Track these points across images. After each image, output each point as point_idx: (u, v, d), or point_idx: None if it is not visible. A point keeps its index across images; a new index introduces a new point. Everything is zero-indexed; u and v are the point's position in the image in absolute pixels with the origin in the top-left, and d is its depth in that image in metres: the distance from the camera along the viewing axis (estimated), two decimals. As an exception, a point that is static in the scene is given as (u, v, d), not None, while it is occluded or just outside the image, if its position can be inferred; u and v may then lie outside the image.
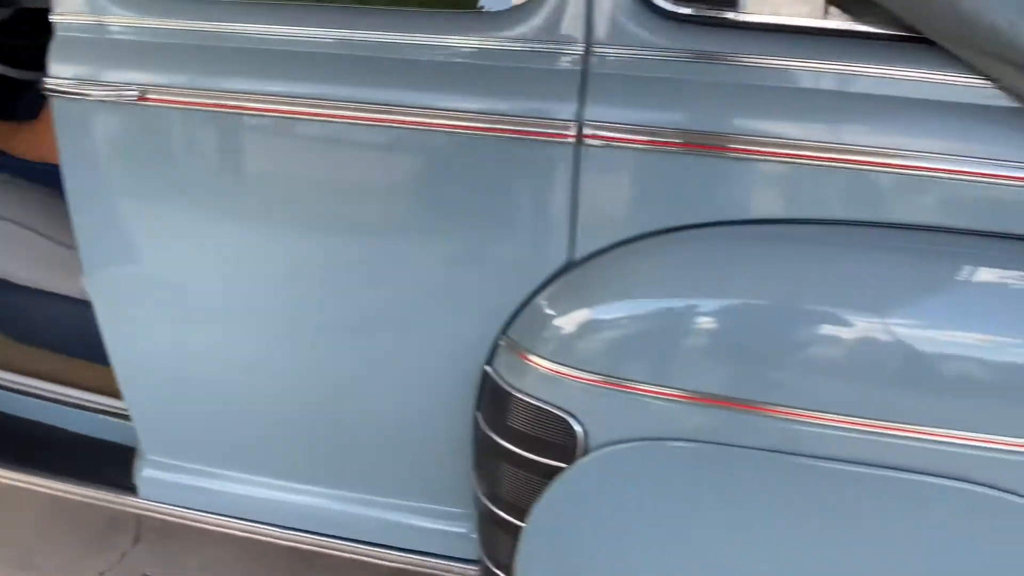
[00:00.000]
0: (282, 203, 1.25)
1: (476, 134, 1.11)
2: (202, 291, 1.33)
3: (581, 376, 1.09)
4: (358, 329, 1.29)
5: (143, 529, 1.88)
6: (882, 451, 0.99)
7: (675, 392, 1.05)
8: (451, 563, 1.36)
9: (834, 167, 1.02)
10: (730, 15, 1.05)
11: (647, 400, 1.06)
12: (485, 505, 1.22)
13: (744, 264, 1.07)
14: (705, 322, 1.08)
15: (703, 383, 1.05)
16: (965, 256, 1.03)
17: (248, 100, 1.17)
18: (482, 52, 1.11)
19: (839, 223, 1.06)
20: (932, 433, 0.98)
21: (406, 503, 1.38)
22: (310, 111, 1.15)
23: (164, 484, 1.50)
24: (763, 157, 1.03)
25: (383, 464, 1.37)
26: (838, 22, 1.03)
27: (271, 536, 1.46)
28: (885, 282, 1.03)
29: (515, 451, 1.15)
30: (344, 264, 1.25)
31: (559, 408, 1.10)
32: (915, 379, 1.00)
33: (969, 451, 0.97)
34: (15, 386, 1.71)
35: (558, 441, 1.11)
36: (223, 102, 1.18)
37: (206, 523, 1.49)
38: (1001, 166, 0.97)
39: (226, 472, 1.47)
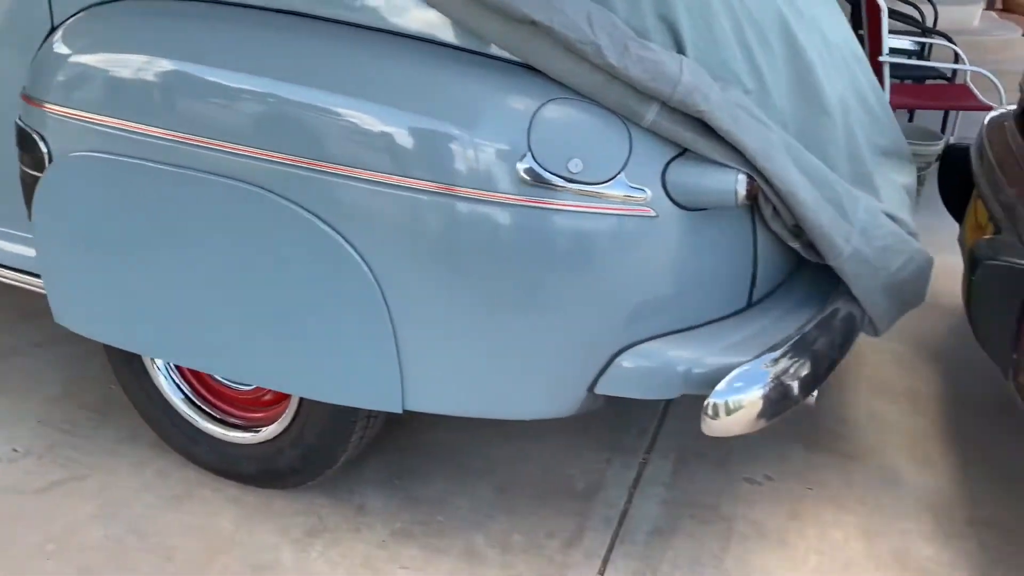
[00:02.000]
0: None
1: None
2: None
3: (45, 106, 1.57)
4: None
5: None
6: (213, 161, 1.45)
7: (101, 118, 1.52)
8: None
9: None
10: None
11: (84, 124, 1.54)
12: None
13: (162, 32, 1.53)
14: (125, 66, 1.53)
15: (121, 113, 1.51)
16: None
17: None
18: None
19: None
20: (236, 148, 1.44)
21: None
22: None
23: None
24: None
25: None
26: None
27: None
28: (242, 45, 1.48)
29: (23, 168, 1.65)
30: None
31: (34, 131, 1.59)
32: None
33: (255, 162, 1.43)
34: None
35: (36, 154, 1.60)
36: None
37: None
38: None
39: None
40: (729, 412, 1.37)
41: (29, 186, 1.66)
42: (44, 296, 1.74)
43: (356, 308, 1.44)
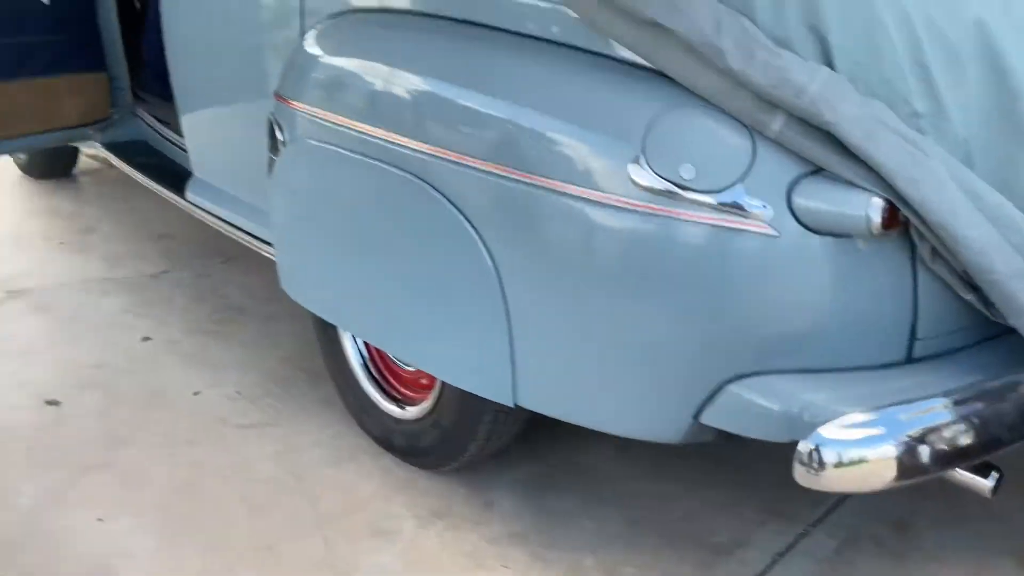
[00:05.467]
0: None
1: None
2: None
3: (289, 102, 1.88)
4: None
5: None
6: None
7: (325, 114, 1.79)
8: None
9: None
10: None
11: (310, 117, 1.82)
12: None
13: (376, 41, 1.77)
14: (350, 78, 1.79)
15: (338, 110, 1.77)
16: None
17: None
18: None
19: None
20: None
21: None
22: None
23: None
24: None
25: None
26: None
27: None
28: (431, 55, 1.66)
29: (268, 155, 1.99)
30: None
31: (277, 122, 1.91)
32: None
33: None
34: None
35: (275, 142, 1.92)
36: None
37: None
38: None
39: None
40: (842, 463, 1.20)
41: (270, 167, 1.99)
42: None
43: (476, 296, 1.52)
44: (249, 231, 2.42)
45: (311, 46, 1.85)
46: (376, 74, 1.69)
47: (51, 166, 3.75)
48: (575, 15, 1.38)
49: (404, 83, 1.63)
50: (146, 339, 2.49)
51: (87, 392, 2.21)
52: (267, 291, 2.82)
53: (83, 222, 3.33)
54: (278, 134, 1.91)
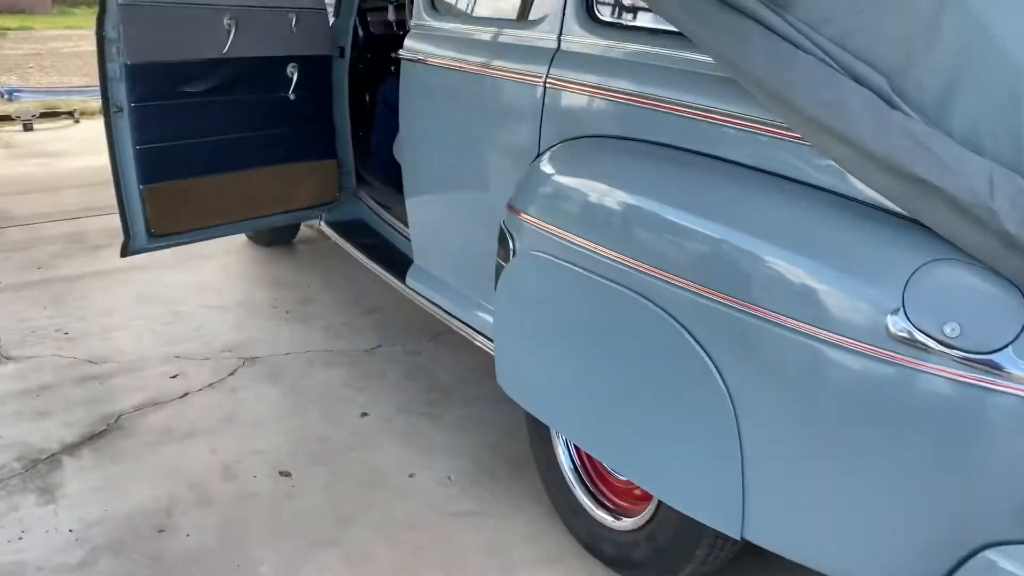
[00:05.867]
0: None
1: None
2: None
3: (520, 214, 1.99)
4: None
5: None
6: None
7: (558, 231, 1.89)
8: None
9: (676, 114, 1.73)
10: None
11: (543, 232, 1.92)
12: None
13: (613, 165, 1.85)
14: (585, 199, 1.88)
15: (569, 228, 1.86)
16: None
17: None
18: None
19: (669, 146, 1.76)
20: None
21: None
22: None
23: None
24: (637, 104, 1.80)
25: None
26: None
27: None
28: (679, 184, 1.72)
29: (497, 259, 2.10)
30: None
31: (509, 232, 2.03)
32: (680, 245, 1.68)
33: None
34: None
35: (507, 249, 2.04)
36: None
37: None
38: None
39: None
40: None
41: (498, 272, 2.10)
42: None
43: (708, 421, 1.53)
44: (462, 319, 2.57)
45: (548, 165, 1.96)
46: (612, 197, 1.76)
47: (277, 235, 4.12)
48: (836, 164, 1.39)
49: (642, 208, 1.69)
50: (364, 414, 2.67)
51: (315, 466, 2.40)
52: (471, 373, 2.96)
53: (304, 292, 3.63)
54: (509, 242, 2.03)
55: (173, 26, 2.75)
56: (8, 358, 2.98)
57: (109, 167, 2.74)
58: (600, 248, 1.74)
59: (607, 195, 1.78)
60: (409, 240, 3.04)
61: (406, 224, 3.11)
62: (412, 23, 2.61)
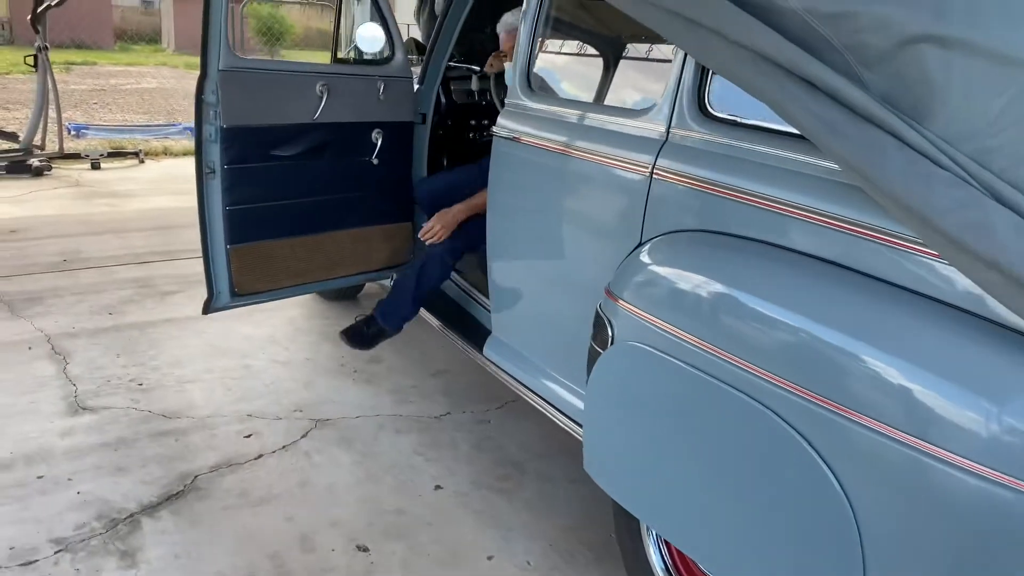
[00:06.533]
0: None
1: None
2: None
3: (619, 301, 1.98)
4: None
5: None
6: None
7: (661, 323, 1.87)
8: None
9: (782, 214, 1.73)
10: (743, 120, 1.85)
11: (644, 322, 1.91)
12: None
13: (723, 261, 1.84)
14: (697, 294, 1.87)
15: (674, 321, 1.85)
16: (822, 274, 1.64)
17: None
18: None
19: (773, 244, 1.75)
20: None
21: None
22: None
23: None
24: (750, 203, 1.80)
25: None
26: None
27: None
28: (787, 284, 1.70)
29: (592, 344, 2.09)
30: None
31: (607, 318, 2.01)
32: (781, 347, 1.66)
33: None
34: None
35: (603, 336, 2.02)
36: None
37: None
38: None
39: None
40: None
41: (592, 358, 2.08)
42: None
43: (832, 541, 1.48)
44: (539, 393, 2.55)
45: (654, 255, 1.95)
46: (728, 295, 1.74)
47: (343, 290, 4.15)
48: (979, 287, 1.36)
49: (759, 311, 1.67)
50: (438, 487, 2.65)
51: (392, 541, 2.37)
52: (540, 446, 2.93)
53: (371, 352, 3.64)
54: (607, 329, 2.01)
55: (269, 91, 2.82)
56: (85, 408, 3.01)
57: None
58: (710, 346, 1.72)
59: (722, 292, 1.76)
60: (482, 306, 3.05)
61: (478, 290, 3.13)
62: (507, 100, 2.64)
